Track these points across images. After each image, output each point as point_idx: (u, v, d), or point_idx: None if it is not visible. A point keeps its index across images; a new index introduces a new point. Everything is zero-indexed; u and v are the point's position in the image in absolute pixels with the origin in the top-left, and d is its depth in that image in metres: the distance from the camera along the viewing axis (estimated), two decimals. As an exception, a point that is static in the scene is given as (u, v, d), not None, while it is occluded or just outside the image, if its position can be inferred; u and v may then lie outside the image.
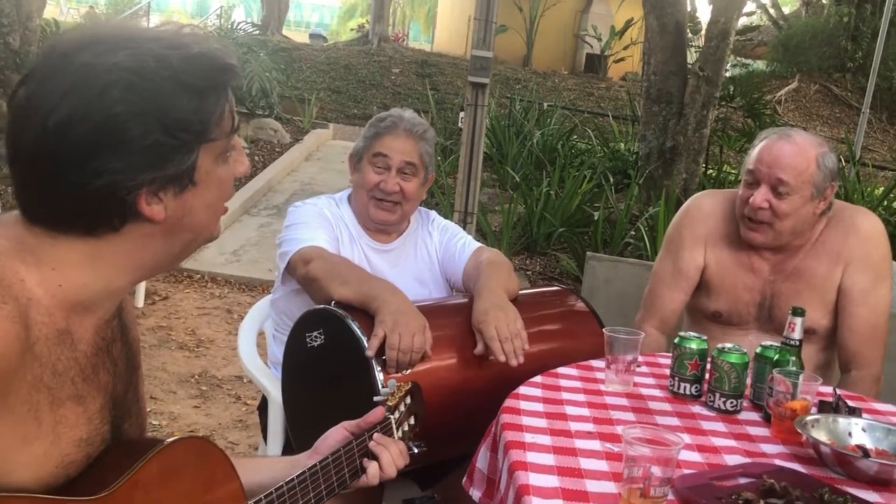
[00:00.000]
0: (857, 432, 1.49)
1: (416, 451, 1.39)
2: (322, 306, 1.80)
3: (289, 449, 1.96)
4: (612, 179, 6.84)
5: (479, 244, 2.18)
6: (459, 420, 1.75)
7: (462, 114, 5.40)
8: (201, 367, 4.01)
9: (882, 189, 7.31)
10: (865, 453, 1.41)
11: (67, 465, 0.92)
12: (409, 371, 1.70)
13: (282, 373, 1.92)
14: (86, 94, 0.88)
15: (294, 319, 1.90)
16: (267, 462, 1.29)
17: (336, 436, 1.30)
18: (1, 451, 0.86)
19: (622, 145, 8.39)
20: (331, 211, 2.07)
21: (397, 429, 1.36)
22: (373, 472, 1.27)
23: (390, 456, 1.29)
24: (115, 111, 0.89)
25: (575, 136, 8.74)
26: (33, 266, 0.90)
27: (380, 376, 1.67)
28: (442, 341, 1.78)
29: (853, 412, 1.59)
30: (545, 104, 9.94)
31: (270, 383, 2.02)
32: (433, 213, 2.26)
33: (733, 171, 7.51)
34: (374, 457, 1.29)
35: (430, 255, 2.18)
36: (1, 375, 0.83)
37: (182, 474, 1.00)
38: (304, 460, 1.25)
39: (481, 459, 1.57)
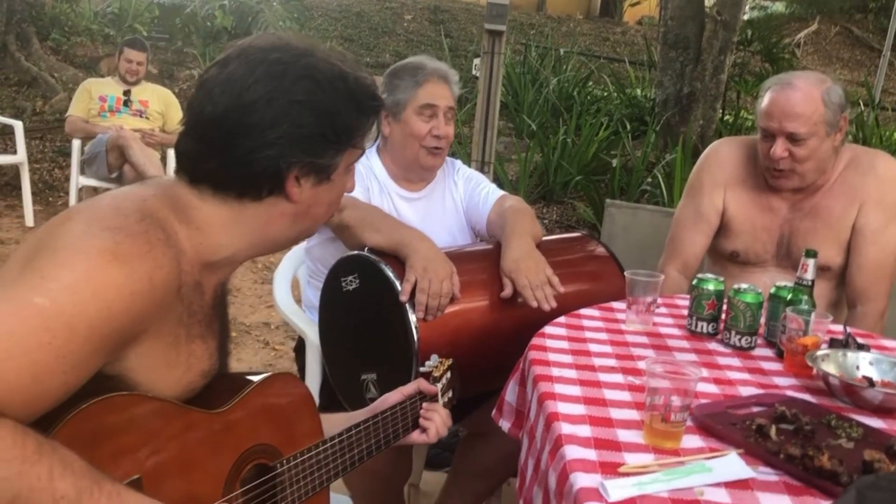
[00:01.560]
0: (865, 365, 1.58)
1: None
2: (356, 252, 1.90)
3: (326, 387, 2.08)
4: (628, 126, 6.84)
5: (502, 192, 2.26)
6: (486, 359, 1.86)
7: (477, 61, 5.40)
8: (230, 315, 4.14)
9: (901, 133, 7.27)
10: (871, 384, 1.50)
11: (191, 390, 1.10)
12: (438, 315, 1.80)
13: (318, 316, 2.03)
14: (279, 81, 1.07)
15: (328, 266, 2.00)
16: (329, 417, 1.44)
17: (392, 398, 1.47)
18: (152, 371, 1.03)
19: (639, 91, 8.34)
20: (360, 163, 2.14)
21: (442, 395, 1.54)
22: (431, 432, 1.48)
23: (440, 420, 1.50)
24: (300, 98, 1.08)
25: (591, 83, 8.68)
26: (184, 223, 1.07)
27: (413, 318, 1.77)
28: (469, 286, 1.87)
29: (861, 347, 1.68)
30: (561, 50, 9.86)
31: (308, 326, 2.13)
32: (458, 163, 2.34)
33: (750, 117, 7.48)
34: (425, 420, 1.49)
35: (456, 204, 2.26)
36: (163, 306, 1.01)
37: (278, 405, 1.19)
38: (362, 416, 1.42)
39: (510, 393, 1.68)
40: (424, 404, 1.50)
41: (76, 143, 5.08)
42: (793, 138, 2.05)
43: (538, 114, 7.48)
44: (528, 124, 7.16)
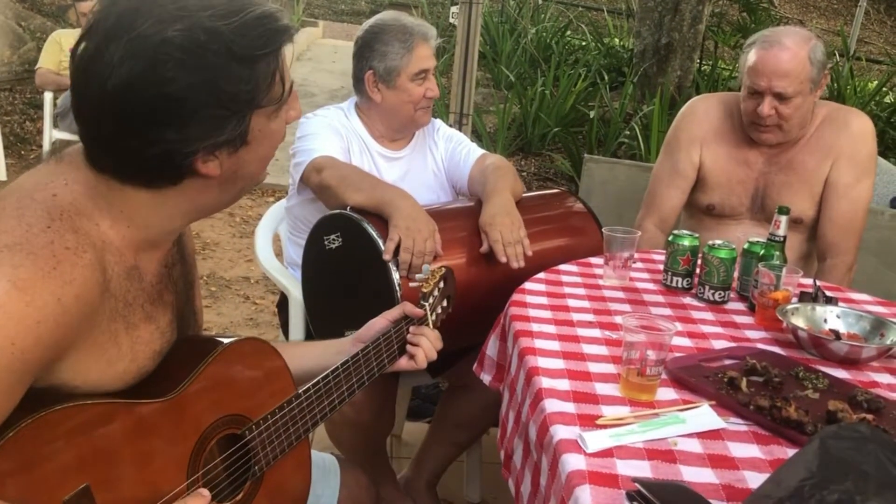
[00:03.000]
0: (832, 318, 1.64)
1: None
2: (338, 211, 1.92)
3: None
4: (606, 78, 6.83)
5: (482, 151, 2.28)
6: (468, 314, 1.89)
7: (454, 9, 5.34)
8: (209, 269, 4.15)
9: (875, 83, 7.33)
10: (838, 336, 1.56)
11: (144, 374, 1.05)
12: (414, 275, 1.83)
13: (301, 273, 2.05)
14: (140, 67, 0.92)
15: (309, 224, 2.02)
16: (314, 349, 1.40)
17: (378, 325, 1.41)
18: (91, 374, 0.97)
19: (617, 41, 8.31)
20: (340, 122, 2.15)
21: (431, 312, 1.48)
22: (420, 357, 1.41)
23: (429, 343, 1.42)
24: (167, 90, 0.93)
25: (569, 33, 8.63)
26: (105, 210, 0.99)
27: (396, 276, 1.80)
28: (452, 243, 1.90)
29: (830, 301, 1.74)
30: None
31: (290, 283, 2.16)
32: (438, 122, 2.35)
33: (727, 68, 7.50)
34: (413, 345, 1.42)
35: (437, 162, 2.28)
36: (86, 317, 0.93)
37: (240, 373, 1.14)
38: (349, 347, 1.38)
39: (491, 348, 1.72)
40: (412, 328, 1.43)
41: (48, 96, 4.99)
42: (780, 96, 2.09)
43: (516, 64, 7.44)
44: (507, 75, 7.12)
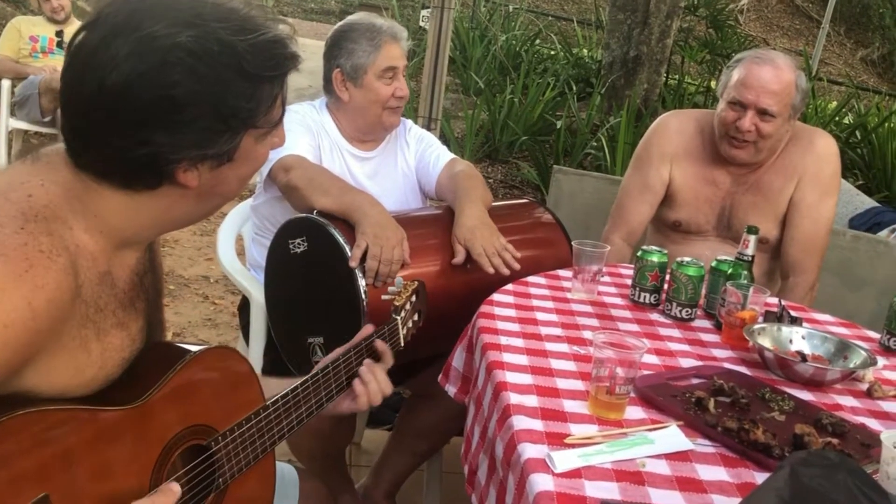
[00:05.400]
0: (798, 339, 1.64)
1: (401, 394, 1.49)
2: (305, 215, 1.88)
3: (271, 348, 2.07)
4: (574, 88, 6.86)
5: (452, 155, 2.26)
6: (434, 323, 1.87)
7: (425, 13, 5.33)
8: (168, 267, 4.06)
9: (835, 104, 7.48)
10: (803, 358, 1.57)
11: (109, 381, 1.02)
12: (388, 281, 1.80)
13: (265, 276, 2.01)
14: (146, 66, 0.91)
15: (275, 224, 1.97)
16: (269, 382, 1.34)
17: (334, 356, 1.36)
18: (59, 381, 0.94)
19: (586, 52, 8.37)
20: (312, 118, 2.11)
21: (402, 326, 1.46)
22: (362, 400, 1.34)
23: (377, 388, 1.35)
24: (172, 93, 0.92)
25: (539, 42, 8.67)
26: (80, 213, 0.96)
27: (362, 284, 1.77)
28: (421, 251, 1.88)
29: (795, 321, 1.75)
30: (510, 6, 9.79)
31: (252, 285, 2.11)
32: (409, 122, 2.32)
33: (693, 83, 7.59)
34: (360, 385, 1.35)
35: (408, 163, 2.25)
36: (55, 322, 0.90)
37: (207, 382, 1.10)
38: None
39: (457, 359, 1.70)
40: (366, 362, 1.37)
41: (5, 84, 4.84)
42: (764, 113, 2.11)
43: (486, 71, 7.44)
44: (476, 81, 7.12)
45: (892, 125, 6.47)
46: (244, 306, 2.24)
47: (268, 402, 1.19)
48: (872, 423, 1.37)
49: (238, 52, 0.94)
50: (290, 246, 1.89)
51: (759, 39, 11.45)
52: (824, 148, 2.23)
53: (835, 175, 2.25)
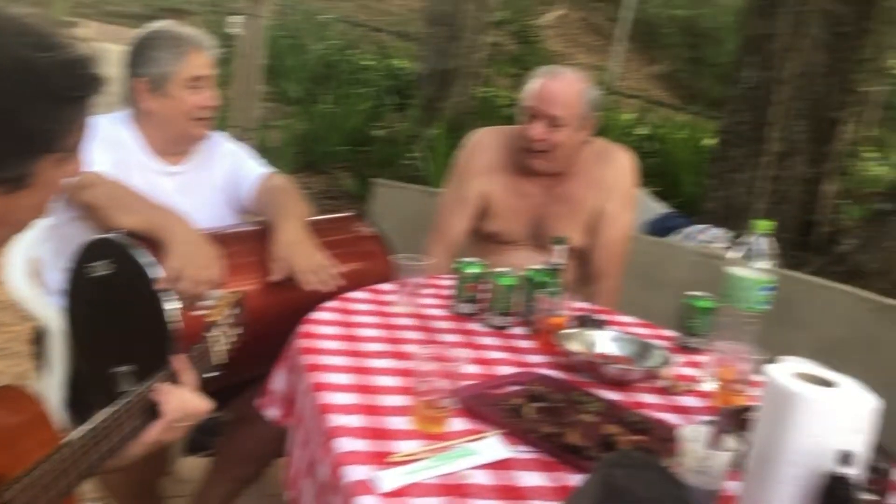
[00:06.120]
0: (605, 342, 1.75)
1: (211, 375, 1.40)
2: (107, 235, 1.76)
3: (72, 381, 1.92)
4: (391, 99, 6.94)
5: (268, 169, 2.21)
6: (253, 344, 1.81)
7: (230, 19, 5.19)
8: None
9: (630, 116, 8.06)
10: (609, 360, 1.67)
11: None
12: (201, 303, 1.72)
13: (64, 302, 1.85)
14: None
15: (76, 246, 1.83)
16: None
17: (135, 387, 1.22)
18: None
19: (401, 63, 8.48)
20: (114, 133, 1.98)
21: (220, 341, 1.38)
22: (158, 429, 1.19)
23: (175, 404, 1.20)
24: None
25: (354, 51, 8.68)
26: None
27: (172, 306, 1.68)
28: (237, 269, 1.81)
29: (601, 325, 1.85)
30: (324, 16, 9.73)
31: (49, 313, 1.94)
32: (221, 136, 2.24)
33: (504, 96, 7.90)
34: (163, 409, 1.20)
35: (219, 179, 2.17)
36: None
37: None
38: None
39: (278, 381, 1.66)
40: (163, 386, 1.22)
41: None
42: (553, 122, 2.24)
43: (301, 80, 7.35)
44: (291, 91, 7.01)
45: (681, 136, 7.09)
46: (40, 335, 2.06)
47: (64, 442, 1.08)
48: (672, 418, 1.48)
49: (40, 69, 0.88)
50: (90, 269, 1.76)
51: (562, 54, 12.12)
52: (624, 163, 2.41)
53: (633, 187, 2.44)
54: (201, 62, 2.01)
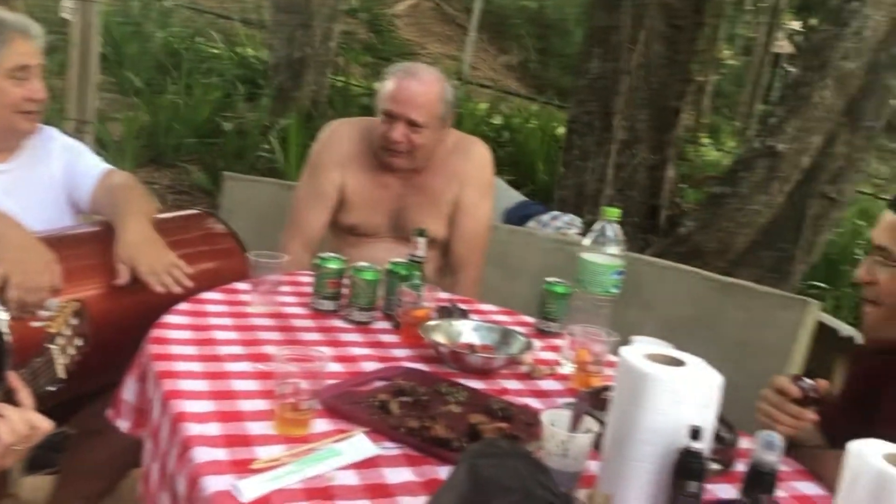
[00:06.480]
0: (468, 332, 1.76)
1: (54, 388, 1.32)
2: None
3: None
4: (241, 88, 6.72)
5: (108, 166, 2.08)
6: (99, 353, 1.69)
7: (64, 2, 4.85)
8: None
9: (485, 105, 8.21)
10: (473, 349, 1.69)
11: None
12: (36, 312, 1.59)
13: None
14: None
15: None
16: None
17: None
18: None
19: (251, 52, 8.23)
20: None
21: (61, 354, 1.30)
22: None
23: (7, 427, 1.13)
24: None
25: (201, 39, 8.34)
26: None
27: (4, 318, 1.54)
28: (77, 273, 1.70)
29: (464, 315, 1.87)
30: (167, 1, 9.29)
31: None
32: (54, 131, 2.08)
33: (359, 85, 7.84)
34: None
35: (53, 176, 2.02)
36: None
37: None
38: None
39: (128, 391, 1.56)
40: None
41: None
42: (413, 124, 2.23)
43: (144, 70, 6.98)
44: (133, 80, 6.64)
45: (534, 126, 7.29)
46: None
47: None
48: (534, 403, 1.51)
49: None
50: None
51: (415, 44, 12.16)
52: (481, 155, 2.44)
53: (491, 178, 2.48)
54: (26, 50, 1.86)
